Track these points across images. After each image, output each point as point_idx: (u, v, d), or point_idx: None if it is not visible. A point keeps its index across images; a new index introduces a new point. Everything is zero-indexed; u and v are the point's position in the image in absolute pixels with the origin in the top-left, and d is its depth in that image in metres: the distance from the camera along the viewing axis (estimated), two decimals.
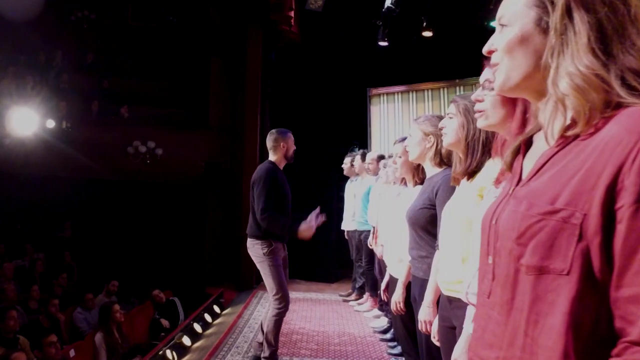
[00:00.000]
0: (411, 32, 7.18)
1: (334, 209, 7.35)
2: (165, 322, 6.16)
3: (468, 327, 1.73)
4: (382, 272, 4.91)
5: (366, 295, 6.13)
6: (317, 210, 3.90)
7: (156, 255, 8.38)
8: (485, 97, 1.55)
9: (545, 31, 0.89)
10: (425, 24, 6.87)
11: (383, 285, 3.54)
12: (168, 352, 4.48)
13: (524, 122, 1.08)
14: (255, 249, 3.74)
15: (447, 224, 2.05)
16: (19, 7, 8.59)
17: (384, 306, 5.41)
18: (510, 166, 1.03)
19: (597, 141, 0.79)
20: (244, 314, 5.78)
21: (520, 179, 0.95)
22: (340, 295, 6.75)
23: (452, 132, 2.01)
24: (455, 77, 7.16)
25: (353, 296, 6.52)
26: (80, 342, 4.90)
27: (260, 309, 5.94)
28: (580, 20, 0.85)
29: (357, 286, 6.50)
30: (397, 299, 2.83)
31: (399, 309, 2.83)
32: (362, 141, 7.67)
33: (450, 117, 2.03)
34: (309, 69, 8.12)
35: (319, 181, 8.09)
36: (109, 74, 9.70)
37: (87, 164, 8.19)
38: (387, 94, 7.67)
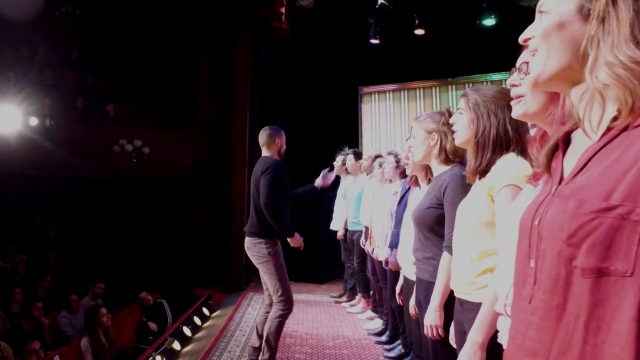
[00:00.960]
0: (403, 30, 7.10)
1: (324, 209, 7.26)
2: (153, 326, 6.02)
3: (476, 335, 1.64)
4: (376, 273, 4.83)
5: (358, 297, 6.04)
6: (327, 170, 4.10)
7: (143, 256, 8.21)
8: (523, 82, 1.42)
9: (585, 18, 0.85)
10: (417, 22, 6.80)
11: (398, 289, 3.38)
12: (158, 358, 4.34)
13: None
14: (258, 249, 3.60)
15: (459, 224, 1.95)
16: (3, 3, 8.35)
17: (378, 308, 5.33)
18: (547, 167, 0.96)
19: None
20: (235, 316, 5.66)
21: (562, 178, 0.89)
22: (332, 297, 6.65)
23: (462, 129, 1.91)
24: (447, 76, 7.12)
25: (345, 297, 6.43)
26: (65, 348, 4.74)
27: (251, 311, 5.82)
28: (625, 8, 0.81)
29: (348, 287, 6.41)
30: (414, 303, 2.73)
31: (417, 313, 2.72)
32: (353, 140, 7.58)
33: (460, 113, 1.94)
34: (299, 66, 8.00)
35: (309, 180, 7.97)
36: (93, 71, 9.50)
37: (72, 162, 8.00)
38: (379, 92, 7.60)
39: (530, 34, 0.93)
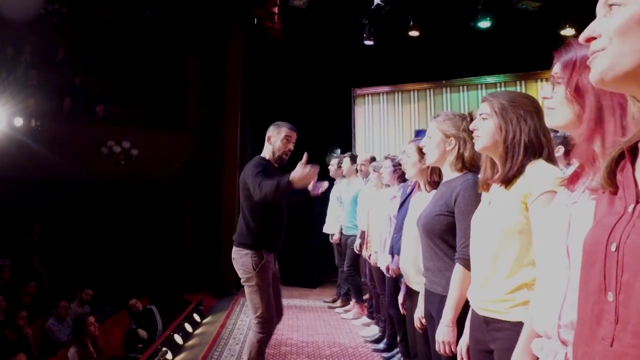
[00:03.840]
0: (397, 31, 7.02)
1: (317, 211, 7.16)
2: (142, 333, 5.86)
3: (521, 358, 1.52)
4: (375, 279, 4.72)
5: (352, 302, 5.94)
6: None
7: (131, 259, 8.03)
8: (553, 94, 1.36)
9: None
10: (412, 23, 6.73)
11: (401, 299, 3.26)
12: None
13: (598, 125, 0.94)
14: (243, 260, 3.24)
15: (481, 235, 1.84)
16: None
17: (374, 314, 5.24)
18: (610, 182, 0.84)
19: None
20: (227, 323, 5.52)
21: (638, 194, 0.77)
22: (325, 302, 6.54)
23: (487, 134, 1.81)
24: (441, 78, 7.04)
25: (338, 303, 6.33)
26: (52, 359, 4.57)
27: (244, 318, 5.69)
28: None
29: (342, 292, 6.31)
30: (420, 314, 2.62)
31: (423, 325, 2.61)
32: (346, 142, 7.48)
33: (484, 118, 1.84)
34: (292, 67, 7.89)
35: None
36: (81, 71, 9.29)
37: (58, 164, 7.81)
38: (372, 94, 7.51)
39: (596, 32, 0.81)
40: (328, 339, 4.96)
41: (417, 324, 2.62)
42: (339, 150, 8.03)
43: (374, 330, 5.01)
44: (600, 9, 0.81)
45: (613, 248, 0.76)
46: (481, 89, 6.71)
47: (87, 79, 9.19)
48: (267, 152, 3.43)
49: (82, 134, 8.18)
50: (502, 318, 1.66)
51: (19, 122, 7.98)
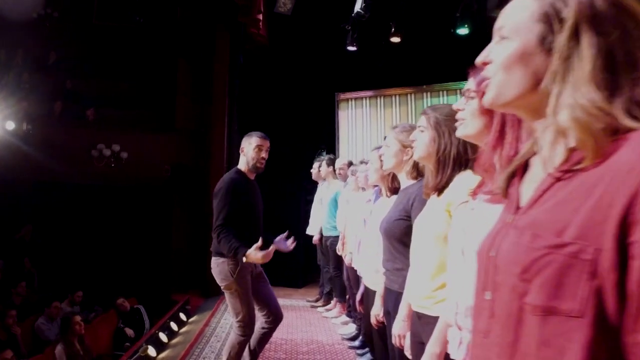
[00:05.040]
0: (380, 37, 7.20)
1: (302, 213, 7.34)
2: (129, 332, 6.03)
3: (433, 347, 1.72)
4: (350, 279, 4.91)
5: (334, 301, 6.12)
6: (285, 235, 3.53)
7: (121, 260, 8.20)
8: (466, 107, 1.54)
9: (548, 52, 0.81)
10: (393, 29, 6.89)
11: (358, 297, 3.45)
12: None
13: (501, 136, 1.02)
14: (220, 269, 3.34)
15: (417, 238, 2.03)
16: None
17: (352, 312, 5.42)
18: (505, 192, 0.94)
19: (606, 168, 0.72)
20: (211, 322, 5.70)
21: (518, 207, 0.88)
22: (308, 301, 6.72)
23: (422, 146, 1.98)
24: (422, 83, 7.23)
25: (321, 302, 6.51)
26: (39, 356, 4.75)
27: (228, 317, 5.86)
28: (588, 45, 0.77)
29: (324, 292, 6.49)
30: (376, 312, 2.80)
31: (378, 321, 2.79)
32: (330, 145, 7.66)
33: (422, 130, 2.01)
34: (277, 72, 8.07)
35: (287, 185, 8.05)
36: (72, 74, 9.45)
37: (49, 166, 7.96)
38: (355, 98, 7.70)
39: (489, 58, 0.89)
40: (307, 337, 5.15)
41: (372, 320, 2.81)
42: (325, 154, 8.21)
43: (351, 328, 5.19)
44: (495, 34, 0.89)
45: (492, 253, 0.86)
46: (460, 93, 6.87)
47: (78, 82, 9.35)
48: (242, 164, 3.54)
49: (73, 137, 8.33)
50: (429, 313, 1.85)
51: (10, 125, 8.14)
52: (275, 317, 3.60)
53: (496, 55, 0.87)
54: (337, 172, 5.77)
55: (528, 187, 0.88)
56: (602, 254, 0.69)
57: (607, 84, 0.75)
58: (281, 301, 6.73)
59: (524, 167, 0.92)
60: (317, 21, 7.48)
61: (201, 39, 8.14)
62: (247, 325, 3.38)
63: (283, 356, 4.56)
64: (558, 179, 0.79)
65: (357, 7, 6.14)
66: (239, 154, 3.65)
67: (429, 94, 7.11)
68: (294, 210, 7.64)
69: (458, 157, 1.89)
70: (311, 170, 6.33)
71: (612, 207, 0.69)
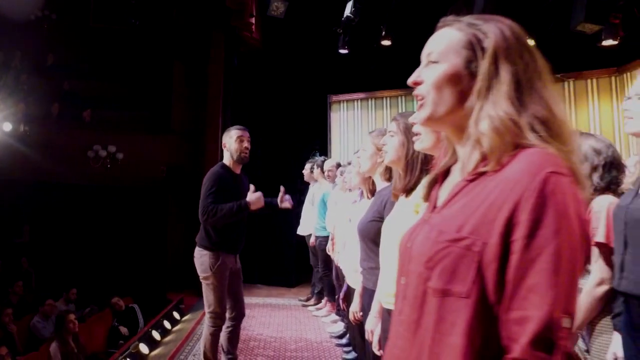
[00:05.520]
0: (371, 40, 7.31)
1: (295, 214, 7.44)
2: (124, 330, 6.15)
3: (371, 320, 1.84)
4: (340, 278, 5.03)
5: (324, 300, 6.24)
6: (282, 192, 3.78)
7: (117, 260, 8.32)
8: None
9: (472, 74, 0.96)
10: (384, 33, 6.99)
11: (341, 295, 3.57)
12: None
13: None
14: (202, 260, 3.49)
15: (386, 238, 2.14)
16: None
17: (340, 311, 5.53)
18: (427, 195, 1.11)
19: (501, 177, 0.88)
20: (204, 320, 5.79)
21: (435, 207, 1.03)
22: (300, 300, 6.84)
23: (392, 150, 2.10)
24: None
25: (312, 301, 6.62)
26: (34, 353, 4.87)
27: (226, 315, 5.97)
28: (504, 70, 0.94)
29: (315, 291, 6.60)
30: (354, 309, 2.91)
31: (356, 318, 2.90)
32: (322, 147, 7.77)
33: (392, 135, 2.13)
34: (271, 74, 8.19)
35: (280, 185, 8.15)
36: (70, 76, 9.56)
37: (46, 167, 8.08)
38: (347, 101, 7.81)
39: (420, 79, 1.01)
40: (296, 335, 5.26)
41: (351, 317, 2.93)
42: (318, 155, 8.33)
43: (340, 327, 5.30)
44: (423, 58, 1.03)
45: (409, 245, 1.03)
46: None
47: (75, 84, 9.46)
48: (226, 159, 3.66)
49: (69, 138, 8.44)
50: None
51: (8, 127, 8.25)
52: (238, 314, 3.74)
53: (427, 77, 1.01)
54: (325, 173, 5.89)
55: (445, 191, 1.03)
56: (487, 247, 0.86)
57: (517, 101, 0.93)
58: (273, 300, 6.91)
59: (445, 174, 1.09)
60: (310, 24, 7.59)
61: (196, 42, 8.25)
62: (217, 316, 3.56)
63: (272, 353, 4.68)
64: (468, 183, 0.95)
65: (347, 11, 6.25)
66: None
67: None
68: (288, 210, 7.72)
69: (426, 160, 2.01)
70: (303, 172, 6.45)
71: (501, 210, 0.86)
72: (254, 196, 3.48)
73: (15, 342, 5.39)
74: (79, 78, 9.56)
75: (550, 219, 0.83)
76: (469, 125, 0.96)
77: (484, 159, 0.93)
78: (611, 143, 2.14)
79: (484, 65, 0.95)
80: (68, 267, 8.12)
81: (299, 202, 7.27)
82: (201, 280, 3.58)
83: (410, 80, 1.05)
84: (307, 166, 6.40)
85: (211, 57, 7.87)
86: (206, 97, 7.90)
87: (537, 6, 6.19)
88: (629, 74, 6.17)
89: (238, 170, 3.68)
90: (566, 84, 6.69)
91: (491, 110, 0.93)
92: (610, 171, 2.03)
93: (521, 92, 0.93)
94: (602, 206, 1.97)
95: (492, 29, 0.98)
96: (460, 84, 0.98)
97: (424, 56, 1.03)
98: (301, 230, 6.45)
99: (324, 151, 7.68)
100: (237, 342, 3.93)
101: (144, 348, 4.91)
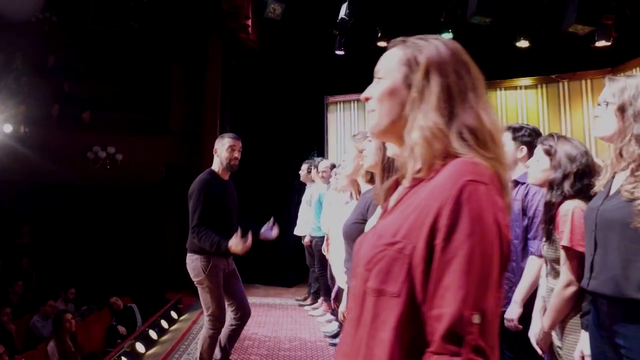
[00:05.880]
0: (367, 42, 7.35)
1: (292, 214, 7.50)
2: (122, 329, 6.22)
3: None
4: (332, 278, 5.08)
5: (320, 300, 6.29)
6: (271, 222, 3.73)
7: (116, 260, 8.39)
8: None
9: (409, 87, 1.04)
10: (380, 34, 7.04)
11: (333, 295, 3.62)
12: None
13: None
14: (194, 265, 3.53)
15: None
16: None
17: (334, 311, 5.59)
18: (383, 201, 1.18)
19: (432, 184, 0.96)
20: (200, 320, 5.87)
21: (385, 211, 1.11)
22: (297, 300, 6.89)
23: (370, 154, 2.16)
24: None
25: (309, 301, 6.68)
26: (32, 352, 4.94)
27: (231, 315, 6.02)
28: (435, 82, 1.02)
29: (312, 291, 6.66)
30: (342, 309, 2.96)
31: (345, 318, 2.95)
32: (319, 148, 7.82)
33: (369, 140, 2.18)
34: (268, 76, 8.25)
35: (278, 186, 8.22)
36: (70, 78, 9.64)
37: (46, 168, 8.16)
38: (344, 102, 7.86)
39: (369, 94, 1.11)
40: (291, 334, 5.32)
41: (340, 317, 2.98)
42: (317, 157, 8.38)
43: (334, 326, 5.35)
44: (375, 76, 1.12)
45: (358, 249, 1.09)
46: None
47: (75, 86, 9.54)
48: (216, 165, 3.70)
49: (69, 140, 8.53)
50: None
51: (8, 128, 8.34)
52: (242, 314, 3.74)
53: (373, 92, 1.11)
54: (320, 174, 5.94)
55: (394, 198, 1.11)
56: (416, 251, 0.93)
57: (447, 111, 1.00)
58: (270, 300, 6.97)
59: (398, 183, 1.16)
60: (306, 26, 7.64)
61: (195, 44, 8.32)
62: (216, 319, 3.58)
63: (265, 352, 4.74)
64: (409, 190, 1.03)
65: (342, 13, 6.30)
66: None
67: None
68: (285, 211, 7.80)
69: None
70: (299, 172, 6.50)
71: (428, 216, 0.93)
72: (234, 242, 3.34)
73: (14, 341, 5.46)
74: (78, 80, 9.63)
75: (464, 224, 0.90)
76: (404, 135, 1.04)
77: (421, 167, 1.00)
78: (587, 150, 2.18)
79: (416, 79, 1.03)
80: (68, 267, 8.19)
81: (297, 202, 7.32)
82: (196, 285, 3.60)
83: (362, 96, 1.14)
84: (304, 167, 6.45)
85: (209, 59, 7.92)
86: (204, 99, 7.95)
87: (530, 7, 6.23)
88: (623, 74, 6.20)
89: (226, 177, 3.73)
90: (561, 84, 6.72)
91: (422, 120, 1.00)
92: (582, 179, 2.07)
93: (452, 103, 1.00)
94: (568, 210, 2.02)
95: (428, 46, 1.06)
96: (399, 97, 1.05)
97: (375, 73, 1.13)
98: (298, 231, 6.50)
99: (321, 152, 7.73)
100: (235, 341, 3.97)
101: (140, 347, 4.97)
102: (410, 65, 1.05)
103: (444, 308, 0.88)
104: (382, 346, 0.93)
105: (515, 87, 7.02)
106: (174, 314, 6.30)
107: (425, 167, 0.99)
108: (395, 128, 1.07)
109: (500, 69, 6.93)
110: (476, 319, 0.87)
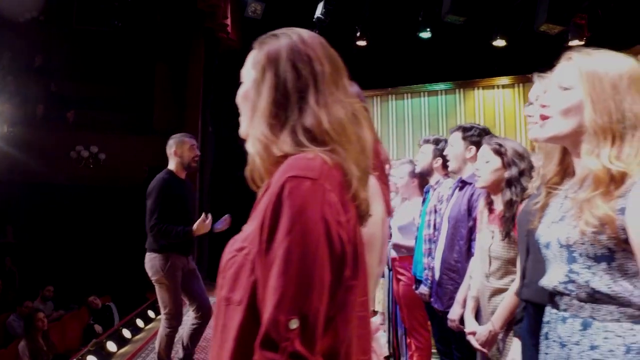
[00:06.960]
0: (346, 41, 7.36)
1: None
2: (98, 328, 6.23)
3: None
4: None
5: None
6: (226, 217, 3.76)
7: (99, 259, 8.40)
8: None
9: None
10: (359, 34, 7.05)
11: None
12: (90, 358, 4.55)
13: None
14: (152, 264, 3.52)
15: None
16: None
17: None
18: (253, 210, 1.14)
19: (269, 187, 0.92)
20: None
21: None
22: None
23: None
24: (387, 86, 7.39)
25: None
26: (2, 351, 4.95)
27: (191, 314, 6.03)
28: (266, 87, 0.95)
29: None
30: None
31: None
32: None
33: None
34: None
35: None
36: (56, 77, 9.64)
37: (30, 167, 8.18)
38: None
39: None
40: None
41: None
42: None
43: None
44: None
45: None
46: (424, 96, 7.11)
47: (60, 85, 9.55)
48: (173, 165, 3.72)
49: (53, 139, 8.55)
50: None
51: None
52: (204, 313, 3.72)
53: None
54: None
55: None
56: (256, 255, 0.88)
57: (279, 116, 0.94)
58: None
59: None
60: (287, 25, 7.60)
61: (178, 44, 8.33)
62: (173, 317, 3.58)
63: None
64: (261, 196, 0.97)
65: (318, 12, 6.31)
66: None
67: (393, 96, 7.28)
68: None
69: None
70: None
71: (260, 217, 0.88)
72: (196, 226, 3.50)
73: None
74: (63, 79, 9.63)
75: (284, 222, 0.84)
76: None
77: (262, 174, 0.97)
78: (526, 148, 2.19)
79: (255, 81, 0.98)
80: (51, 266, 8.20)
81: None
82: (154, 284, 3.62)
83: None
84: None
85: (191, 58, 7.95)
86: (185, 97, 7.98)
87: (506, 7, 6.24)
88: None
89: (183, 176, 3.75)
90: None
91: (253, 131, 0.96)
92: (531, 176, 2.03)
93: (284, 106, 0.94)
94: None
95: (271, 44, 1.01)
96: (250, 102, 1.00)
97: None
98: None
99: None
100: (198, 341, 3.96)
101: (111, 346, 4.97)
102: (257, 67, 1.00)
103: (264, 314, 0.84)
104: (226, 356, 0.89)
105: (493, 86, 7.03)
106: (151, 313, 6.30)
107: (265, 175, 0.95)
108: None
109: (479, 68, 6.94)
110: (293, 323, 0.81)
